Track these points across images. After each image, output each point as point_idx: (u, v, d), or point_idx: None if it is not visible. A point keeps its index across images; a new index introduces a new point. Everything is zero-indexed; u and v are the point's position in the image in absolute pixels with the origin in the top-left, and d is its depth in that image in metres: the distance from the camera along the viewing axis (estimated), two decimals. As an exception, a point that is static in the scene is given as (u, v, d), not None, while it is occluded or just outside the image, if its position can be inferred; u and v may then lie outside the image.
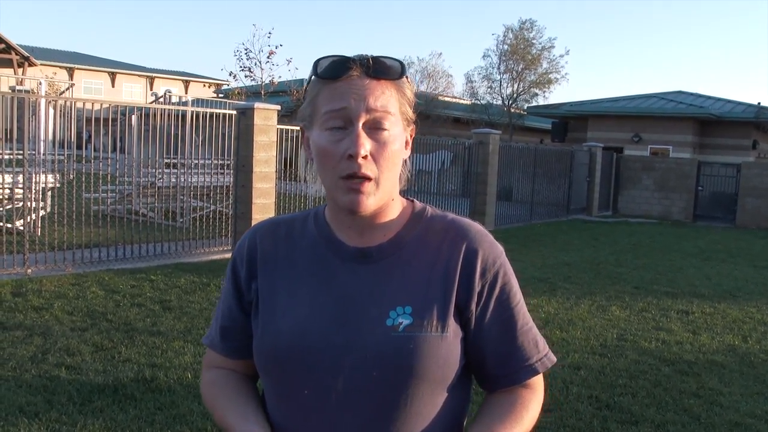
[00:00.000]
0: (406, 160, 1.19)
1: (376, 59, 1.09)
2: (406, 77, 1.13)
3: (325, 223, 1.21)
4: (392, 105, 1.10)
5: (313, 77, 1.11)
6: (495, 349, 1.18)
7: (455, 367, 1.14)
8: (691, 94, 26.62)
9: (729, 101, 25.57)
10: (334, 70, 1.09)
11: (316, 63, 1.10)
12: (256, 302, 1.20)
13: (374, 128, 1.08)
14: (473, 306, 1.16)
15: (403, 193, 1.23)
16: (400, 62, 1.11)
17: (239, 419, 1.15)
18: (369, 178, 1.08)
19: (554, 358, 1.23)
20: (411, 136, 1.19)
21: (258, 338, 1.18)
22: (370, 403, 1.10)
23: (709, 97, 26.09)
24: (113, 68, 52.14)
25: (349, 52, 1.15)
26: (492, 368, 1.19)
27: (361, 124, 1.07)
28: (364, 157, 1.07)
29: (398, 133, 1.12)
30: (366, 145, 1.07)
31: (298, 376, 1.13)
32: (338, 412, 1.11)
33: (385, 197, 1.13)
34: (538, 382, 1.23)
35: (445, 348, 1.12)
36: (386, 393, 1.10)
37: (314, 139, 1.12)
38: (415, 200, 1.24)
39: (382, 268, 1.15)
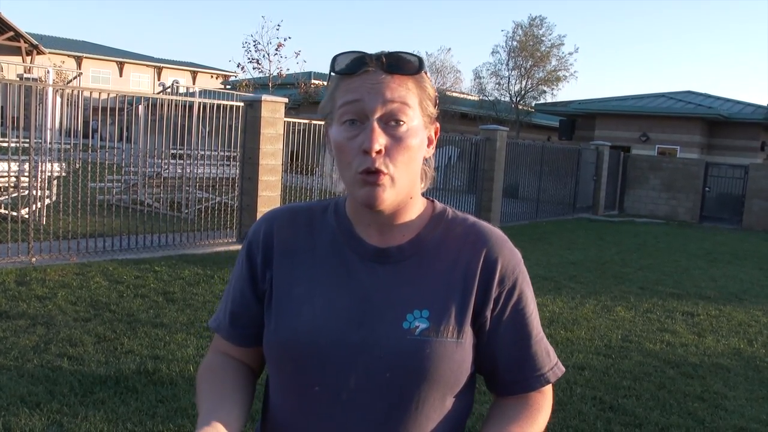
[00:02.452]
0: (429, 159, 1.17)
1: (391, 54, 1.08)
2: (425, 72, 1.10)
3: (345, 217, 1.18)
4: (410, 98, 1.07)
5: (331, 73, 1.10)
6: (509, 356, 1.17)
7: (467, 373, 1.14)
8: (700, 94, 26.48)
9: (738, 102, 25.45)
10: (351, 66, 1.07)
11: (334, 59, 1.09)
12: (270, 293, 1.18)
13: (391, 122, 1.06)
14: (488, 313, 1.15)
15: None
16: (419, 57, 1.09)
17: (207, 411, 1.10)
18: (384, 173, 1.06)
19: (563, 368, 1.23)
20: (435, 134, 1.17)
21: (271, 331, 1.15)
22: (380, 403, 1.10)
23: (719, 98, 25.97)
24: (121, 58, 52.12)
25: (357, 46, 1.12)
26: (504, 375, 1.19)
27: (376, 118, 1.05)
28: (378, 152, 1.05)
29: (417, 128, 1.09)
30: (380, 139, 1.04)
31: (311, 372, 1.11)
32: (348, 411, 1.10)
33: (402, 194, 1.10)
34: (548, 387, 1.23)
35: (460, 354, 1.12)
36: (397, 395, 1.10)
37: (333, 135, 1.11)
38: (435, 200, 1.22)
39: (402, 270, 1.14)
